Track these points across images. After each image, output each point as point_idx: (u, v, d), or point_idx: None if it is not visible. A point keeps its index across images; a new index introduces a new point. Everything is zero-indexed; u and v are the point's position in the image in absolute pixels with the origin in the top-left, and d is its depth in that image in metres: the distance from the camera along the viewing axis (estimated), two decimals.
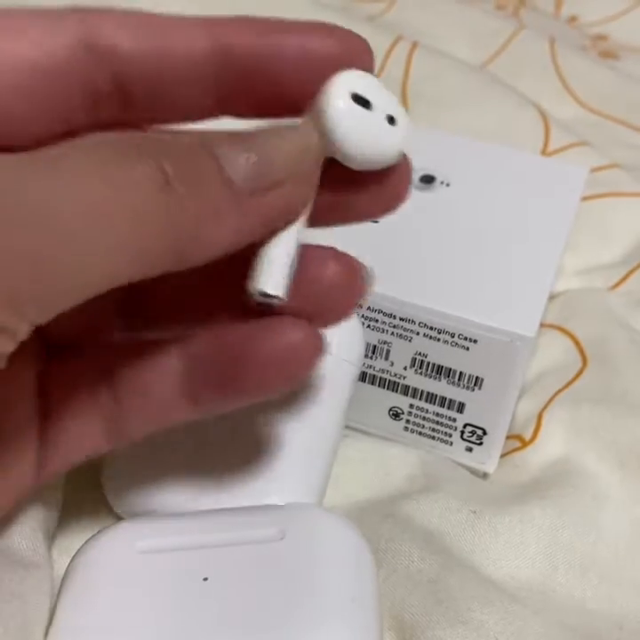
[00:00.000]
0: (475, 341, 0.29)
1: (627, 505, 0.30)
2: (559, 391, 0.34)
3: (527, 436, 0.33)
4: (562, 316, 0.38)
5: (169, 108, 0.22)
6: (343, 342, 0.27)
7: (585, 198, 0.43)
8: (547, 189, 0.36)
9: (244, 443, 0.27)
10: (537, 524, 0.29)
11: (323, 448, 0.27)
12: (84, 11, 0.21)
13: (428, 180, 0.36)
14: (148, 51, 0.21)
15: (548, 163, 0.43)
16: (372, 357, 0.30)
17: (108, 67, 0.21)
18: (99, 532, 0.25)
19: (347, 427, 0.31)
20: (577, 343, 0.36)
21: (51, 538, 0.27)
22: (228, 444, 0.27)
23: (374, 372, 0.30)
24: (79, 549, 0.24)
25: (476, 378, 0.29)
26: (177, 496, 0.26)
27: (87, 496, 0.28)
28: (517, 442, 0.32)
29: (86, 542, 0.24)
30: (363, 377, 0.31)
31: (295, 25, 0.22)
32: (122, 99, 0.21)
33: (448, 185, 0.36)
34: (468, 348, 0.29)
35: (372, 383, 0.31)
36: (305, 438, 0.27)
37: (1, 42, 0.20)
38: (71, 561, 0.24)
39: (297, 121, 0.21)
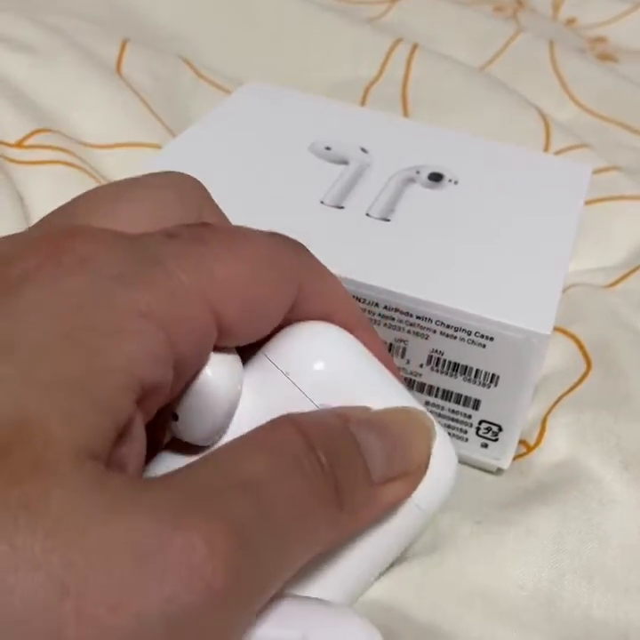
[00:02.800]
0: (491, 339, 0.29)
1: (633, 509, 0.30)
2: (563, 395, 0.34)
3: (532, 440, 0.33)
4: (565, 318, 0.38)
5: None
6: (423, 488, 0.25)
7: (586, 202, 0.43)
8: (553, 187, 0.37)
9: None
10: (542, 532, 0.29)
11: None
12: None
13: (436, 177, 0.37)
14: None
15: (553, 160, 0.43)
16: None
17: None
18: None
19: None
20: (581, 346, 0.37)
21: None
22: None
23: None
24: None
25: (492, 375, 0.30)
26: None
27: None
28: (523, 447, 0.33)
29: None
30: None
31: None
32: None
33: (456, 183, 0.36)
34: (484, 346, 0.29)
35: None
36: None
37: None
38: None
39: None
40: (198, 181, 0.25)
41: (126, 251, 0.20)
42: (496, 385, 0.30)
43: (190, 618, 0.15)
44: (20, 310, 0.17)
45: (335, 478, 0.19)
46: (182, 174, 0.25)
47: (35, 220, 0.39)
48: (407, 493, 0.23)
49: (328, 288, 0.25)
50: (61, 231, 0.20)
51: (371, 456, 0.21)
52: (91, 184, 0.41)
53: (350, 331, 0.25)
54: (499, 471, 0.32)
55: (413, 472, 0.23)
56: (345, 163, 0.37)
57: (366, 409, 0.22)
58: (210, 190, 0.33)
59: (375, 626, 0.24)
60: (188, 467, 0.17)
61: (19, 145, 0.41)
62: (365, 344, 0.25)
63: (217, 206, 0.26)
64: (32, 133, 0.42)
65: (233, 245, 0.22)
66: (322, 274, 0.25)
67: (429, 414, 0.24)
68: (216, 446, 0.23)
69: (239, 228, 0.23)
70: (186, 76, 0.50)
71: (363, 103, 0.52)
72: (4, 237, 0.20)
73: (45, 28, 0.47)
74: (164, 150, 0.37)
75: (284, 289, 0.23)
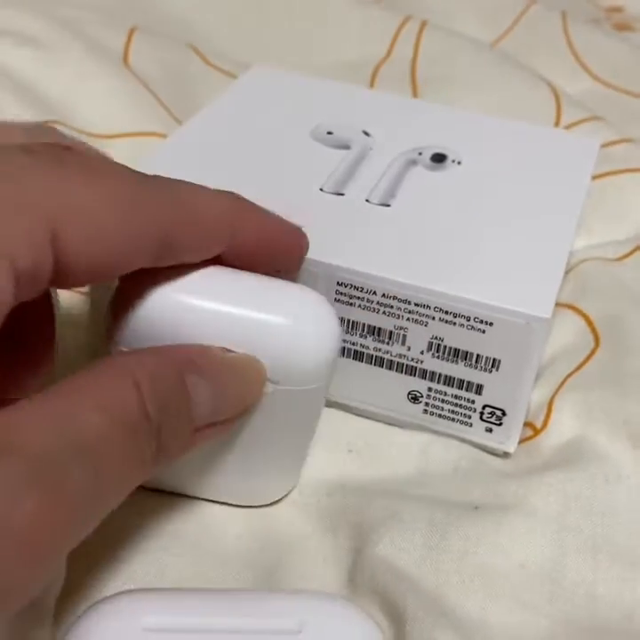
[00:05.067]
0: (490, 324, 0.29)
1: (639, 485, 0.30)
2: (570, 374, 0.34)
3: (539, 423, 0.33)
4: (574, 294, 0.38)
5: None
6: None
7: (597, 176, 0.43)
8: (559, 164, 0.37)
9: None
10: (545, 510, 0.29)
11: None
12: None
13: (439, 159, 0.36)
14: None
15: (560, 135, 0.43)
16: (388, 343, 0.30)
17: None
18: (97, 602, 0.22)
19: (363, 410, 0.32)
20: (589, 323, 0.36)
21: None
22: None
23: (391, 358, 0.31)
24: (76, 622, 0.22)
25: (494, 360, 0.30)
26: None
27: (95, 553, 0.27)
28: (530, 430, 0.32)
29: (83, 614, 0.22)
30: (380, 362, 0.31)
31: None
32: None
33: (459, 163, 0.36)
34: (484, 331, 0.29)
35: (390, 368, 0.31)
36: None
37: None
38: (68, 634, 0.22)
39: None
40: None
41: None
42: (498, 369, 0.30)
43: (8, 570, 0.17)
44: None
45: (159, 436, 0.21)
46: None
47: None
48: (222, 436, 0.24)
49: (194, 214, 0.24)
50: None
51: (197, 404, 0.22)
52: None
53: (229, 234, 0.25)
54: (505, 455, 0.32)
55: (232, 419, 0.24)
56: (347, 147, 0.37)
57: (207, 351, 0.23)
58: (213, 177, 0.34)
59: (370, 615, 0.24)
60: (26, 416, 0.19)
61: None
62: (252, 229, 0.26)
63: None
64: None
65: (93, 174, 0.21)
66: (189, 200, 0.24)
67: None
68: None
69: (106, 160, 0.23)
70: (194, 63, 0.50)
71: (371, 84, 0.52)
72: None
73: (50, 19, 0.47)
74: (169, 139, 0.37)
75: (140, 232, 0.22)
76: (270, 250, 0.27)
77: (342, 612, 0.23)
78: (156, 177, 0.24)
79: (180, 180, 0.24)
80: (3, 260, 0.19)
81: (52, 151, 0.21)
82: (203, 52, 0.51)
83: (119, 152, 0.43)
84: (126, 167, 0.23)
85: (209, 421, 0.23)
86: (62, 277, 0.21)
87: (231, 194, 0.26)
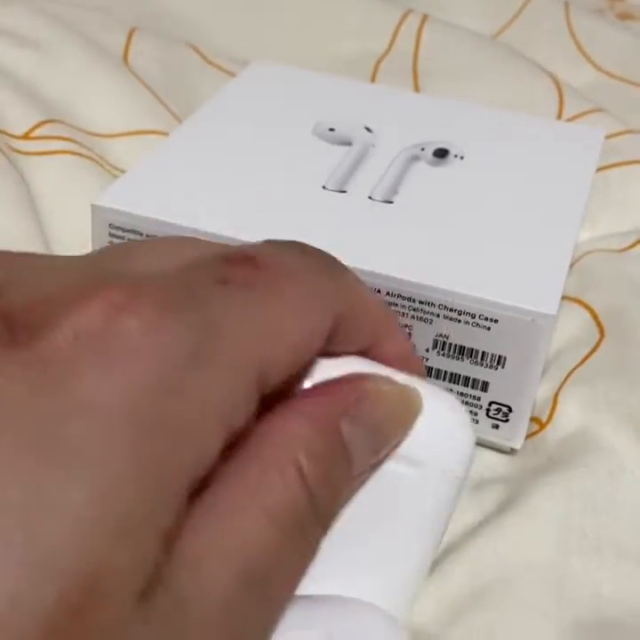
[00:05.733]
0: (495, 321, 0.29)
1: None
2: (576, 367, 0.34)
3: (544, 417, 0.33)
4: (579, 287, 0.38)
5: None
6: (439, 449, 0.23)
7: (601, 168, 0.43)
8: (563, 157, 0.36)
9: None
10: (549, 509, 0.28)
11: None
12: None
13: (441, 154, 0.36)
14: None
15: (564, 127, 0.43)
16: None
17: None
18: None
19: None
20: (594, 315, 0.36)
21: None
22: None
23: None
24: None
25: (499, 357, 0.29)
26: None
27: None
28: (535, 425, 0.32)
29: None
30: None
31: None
32: None
33: (462, 158, 0.36)
34: (489, 328, 0.29)
35: None
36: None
37: None
38: None
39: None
40: None
41: (189, 312, 0.17)
42: (503, 366, 0.30)
43: None
44: (85, 404, 0.15)
45: (326, 516, 0.19)
46: None
47: (44, 209, 0.39)
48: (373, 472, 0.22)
49: (367, 305, 0.23)
50: (116, 280, 0.17)
51: (356, 455, 0.20)
52: (99, 172, 0.41)
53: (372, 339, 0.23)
54: (512, 451, 0.32)
55: (386, 454, 0.22)
56: (349, 143, 0.36)
57: (362, 388, 0.21)
58: (214, 176, 0.33)
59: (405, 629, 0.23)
60: (208, 546, 0.17)
61: (25, 137, 0.41)
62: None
63: None
64: (38, 125, 0.42)
65: (279, 285, 0.20)
66: (363, 295, 0.23)
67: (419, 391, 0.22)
68: None
69: (283, 259, 0.21)
70: (194, 61, 0.50)
71: (373, 79, 0.52)
72: (48, 270, 0.18)
73: (50, 19, 0.47)
74: (169, 137, 0.37)
75: (324, 320, 0.21)
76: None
77: (371, 619, 0.22)
78: (313, 251, 0.22)
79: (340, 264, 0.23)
80: (222, 431, 0.17)
81: (242, 276, 0.19)
82: (202, 50, 0.51)
83: (120, 151, 0.43)
84: (308, 250, 0.22)
85: (367, 467, 0.21)
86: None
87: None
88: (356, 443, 0.20)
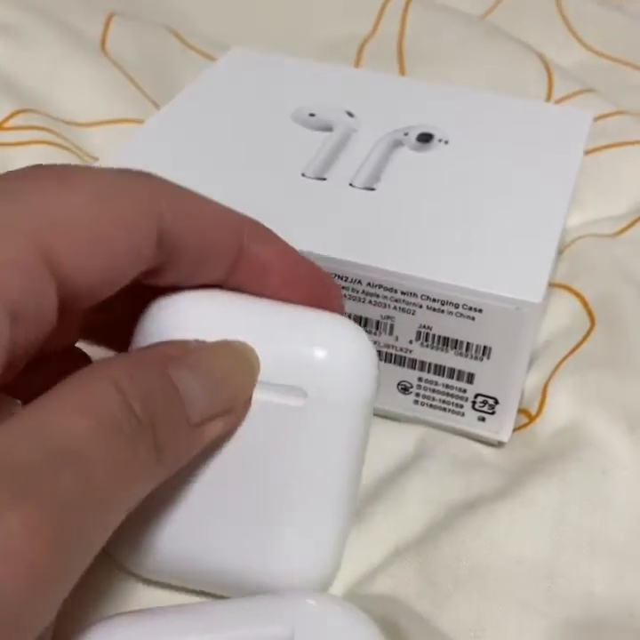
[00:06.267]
0: (480, 311, 0.28)
1: (638, 475, 0.29)
2: (565, 357, 0.33)
3: (533, 409, 0.32)
4: (569, 273, 0.37)
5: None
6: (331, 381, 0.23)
7: (591, 150, 0.42)
8: (550, 140, 0.35)
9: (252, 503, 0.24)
10: (541, 504, 0.28)
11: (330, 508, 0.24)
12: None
13: (425, 138, 0.35)
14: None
15: (551, 109, 0.42)
16: (376, 333, 0.29)
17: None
18: (86, 630, 0.21)
19: None
20: (585, 303, 0.35)
21: None
22: (236, 500, 0.24)
23: (380, 348, 0.30)
24: None
25: (484, 347, 0.29)
26: (187, 552, 0.24)
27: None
28: (525, 417, 0.31)
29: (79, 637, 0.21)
30: None
31: None
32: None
33: (446, 142, 0.35)
34: (473, 318, 0.28)
35: (379, 359, 0.30)
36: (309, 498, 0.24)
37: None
38: None
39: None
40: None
41: None
42: (488, 357, 0.29)
43: (16, 599, 0.16)
44: None
45: (154, 432, 0.19)
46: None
47: None
48: (228, 430, 0.23)
49: (200, 211, 0.23)
50: None
51: (189, 398, 0.21)
52: (75, 162, 0.40)
53: (237, 244, 0.23)
54: (499, 444, 0.31)
55: (234, 409, 0.22)
56: (330, 129, 0.35)
57: (186, 345, 0.22)
58: (191, 163, 0.32)
59: (364, 611, 0.23)
60: (7, 432, 0.17)
61: (0, 127, 0.40)
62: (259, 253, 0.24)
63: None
64: (13, 114, 0.41)
65: (70, 179, 0.20)
66: (187, 196, 0.23)
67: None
68: None
69: (81, 166, 0.21)
70: (173, 46, 0.49)
71: (357, 62, 0.51)
72: None
73: (25, 7, 0.46)
74: (146, 124, 0.35)
75: (138, 225, 0.21)
76: (293, 288, 0.24)
77: (336, 611, 0.22)
78: (143, 172, 0.22)
79: (167, 180, 0.23)
80: None
81: (24, 172, 0.20)
82: (182, 34, 0.50)
83: (98, 140, 0.42)
84: (106, 168, 0.22)
85: (208, 414, 0.21)
86: (70, 300, 0.20)
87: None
88: (187, 386, 0.21)
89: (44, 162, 0.38)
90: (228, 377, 0.22)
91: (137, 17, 0.50)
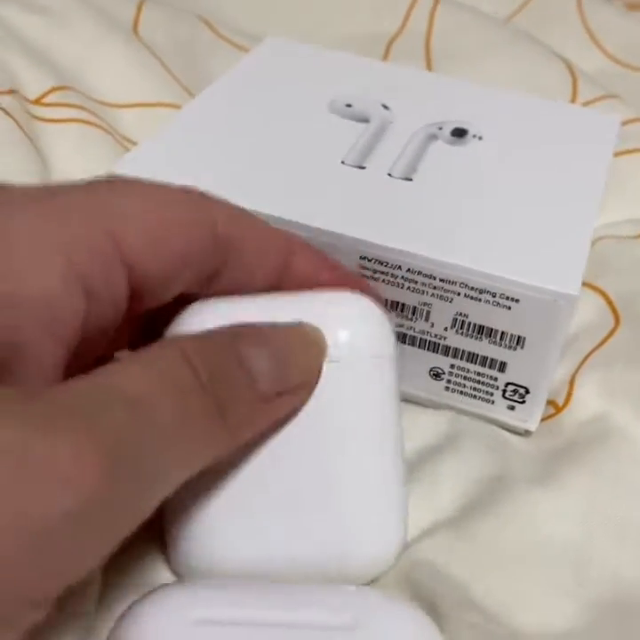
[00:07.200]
0: (517, 301, 0.28)
1: None
2: (591, 352, 0.34)
3: (561, 400, 0.32)
4: (592, 272, 0.38)
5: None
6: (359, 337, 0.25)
7: (615, 154, 0.42)
8: (580, 140, 0.36)
9: (309, 492, 0.24)
10: (572, 491, 0.28)
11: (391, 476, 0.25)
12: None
13: (460, 133, 0.36)
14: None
15: (581, 111, 0.42)
16: (412, 319, 0.30)
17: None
18: (147, 594, 0.21)
19: None
20: (609, 302, 0.36)
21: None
22: (296, 496, 0.24)
23: (414, 334, 0.30)
24: (124, 614, 0.21)
25: (518, 337, 0.29)
26: (242, 551, 0.24)
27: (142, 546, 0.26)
28: (552, 408, 0.32)
29: (132, 606, 0.21)
30: (403, 338, 0.30)
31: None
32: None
33: (480, 138, 0.36)
34: (509, 308, 0.29)
35: (413, 344, 0.31)
36: (371, 475, 0.25)
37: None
38: (115, 626, 0.21)
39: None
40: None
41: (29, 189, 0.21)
42: (522, 347, 0.29)
43: (65, 521, 0.16)
44: None
45: (215, 394, 0.20)
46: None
47: (55, 177, 0.39)
48: (298, 405, 0.23)
49: (251, 224, 0.25)
50: None
51: (257, 371, 0.21)
52: (109, 142, 0.40)
53: (283, 255, 0.25)
54: (527, 433, 0.31)
55: (303, 385, 0.23)
56: (366, 120, 0.36)
57: (257, 325, 0.23)
58: (231, 150, 0.33)
59: (426, 614, 0.23)
60: (76, 379, 0.18)
61: (37, 102, 0.41)
62: (307, 267, 0.26)
63: None
64: (51, 90, 0.41)
65: (138, 186, 0.22)
66: (239, 210, 0.24)
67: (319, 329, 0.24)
68: None
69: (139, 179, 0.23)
70: (204, 35, 0.49)
71: (385, 58, 0.51)
72: None
73: None
74: (183, 110, 0.36)
75: (196, 226, 0.23)
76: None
77: (398, 609, 0.22)
78: (194, 187, 0.24)
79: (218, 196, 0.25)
80: (68, 269, 0.20)
81: (95, 181, 0.22)
82: (212, 23, 0.50)
83: (132, 122, 0.43)
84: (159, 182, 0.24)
85: (276, 390, 0.22)
86: (135, 294, 0.22)
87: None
88: (256, 362, 0.22)
89: (79, 140, 0.39)
90: (297, 355, 0.23)
91: (168, 3, 0.50)
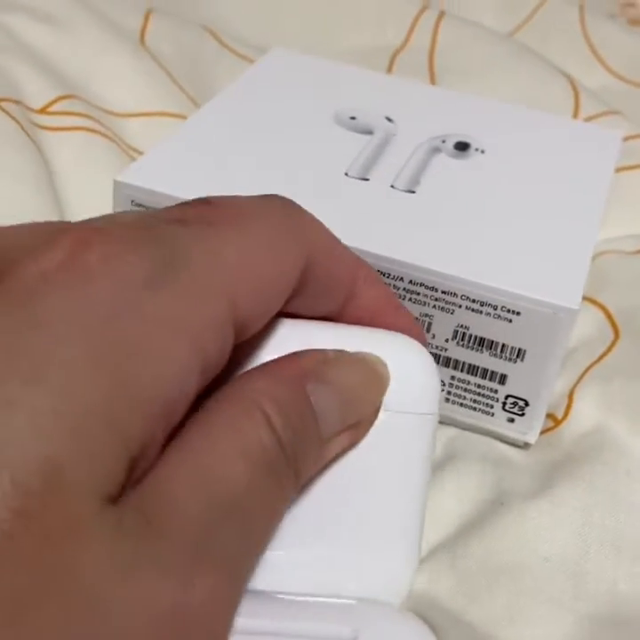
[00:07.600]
0: (518, 313, 0.29)
1: None
2: (591, 366, 0.34)
3: (560, 413, 0.32)
4: (592, 287, 0.38)
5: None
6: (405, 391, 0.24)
7: (616, 170, 0.43)
8: (582, 154, 0.36)
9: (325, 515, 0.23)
10: (568, 504, 0.28)
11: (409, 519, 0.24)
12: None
13: (462, 147, 0.36)
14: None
15: (583, 127, 0.43)
16: None
17: None
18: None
19: None
20: (609, 316, 0.36)
21: None
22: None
23: None
24: None
25: (519, 350, 0.29)
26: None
27: None
28: (550, 421, 0.32)
29: None
30: None
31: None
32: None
33: (483, 152, 0.36)
34: (510, 321, 0.29)
35: None
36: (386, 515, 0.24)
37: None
38: None
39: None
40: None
41: (149, 247, 0.18)
42: (522, 360, 0.30)
43: None
44: (46, 320, 0.16)
45: (296, 460, 0.19)
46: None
47: (61, 186, 0.39)
48: (352, 445, 0.22)
49: (329, 248, 0.23)
50: (81, 226, 0.19)
51: (323, 415, 0.20)
52: (115, 151, 0.41)
53: (353, 281, 0.23)
54: (526, 445, 0.32)
55: (362, 423, 0.22)
56: (370, 133, 0.36)
57: (323, 356, 0.22)
58: (236, 161, 0.33)
59: (427, 625, 0.23)
60: (169, 479, 0.17)
61: (43, 111, 0.41)
62: (384, 312, 0.24)
63: None
64: (56, 100, 0.42)
65: (240, 223, 0.20)
66: (325, 233, 0.23)
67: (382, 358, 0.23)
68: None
69: (239, 201, 0.21)
70: (210, 46, 0.49)
71: (389, 71, 0.52)
72: (20, 226, 0.19)
73: None
74: (190, 118, 0.36)
75: (294, 258, 0.21)
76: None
77: (399, 620, 0.22)
78: (288, 200, 0.22)
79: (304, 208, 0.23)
80: (194, 357, 0.18)
81: (199, 214, 0.20)
82: (218, 34, 0.50)
83: (137, 131, 0.43)
84: (254, 198, 0.22)
85: (337, 430, 0.21)
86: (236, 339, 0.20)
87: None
88: (322, 403, 0.20)
89: (84, 148, 0.40)
90: (361, 391, 0.22)
91: (175, 14, 0.51)
